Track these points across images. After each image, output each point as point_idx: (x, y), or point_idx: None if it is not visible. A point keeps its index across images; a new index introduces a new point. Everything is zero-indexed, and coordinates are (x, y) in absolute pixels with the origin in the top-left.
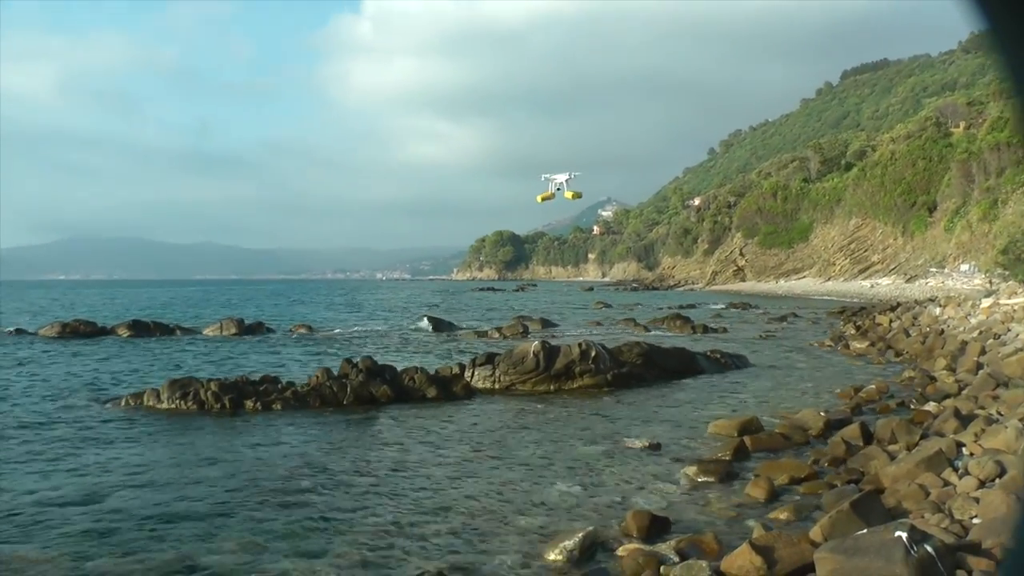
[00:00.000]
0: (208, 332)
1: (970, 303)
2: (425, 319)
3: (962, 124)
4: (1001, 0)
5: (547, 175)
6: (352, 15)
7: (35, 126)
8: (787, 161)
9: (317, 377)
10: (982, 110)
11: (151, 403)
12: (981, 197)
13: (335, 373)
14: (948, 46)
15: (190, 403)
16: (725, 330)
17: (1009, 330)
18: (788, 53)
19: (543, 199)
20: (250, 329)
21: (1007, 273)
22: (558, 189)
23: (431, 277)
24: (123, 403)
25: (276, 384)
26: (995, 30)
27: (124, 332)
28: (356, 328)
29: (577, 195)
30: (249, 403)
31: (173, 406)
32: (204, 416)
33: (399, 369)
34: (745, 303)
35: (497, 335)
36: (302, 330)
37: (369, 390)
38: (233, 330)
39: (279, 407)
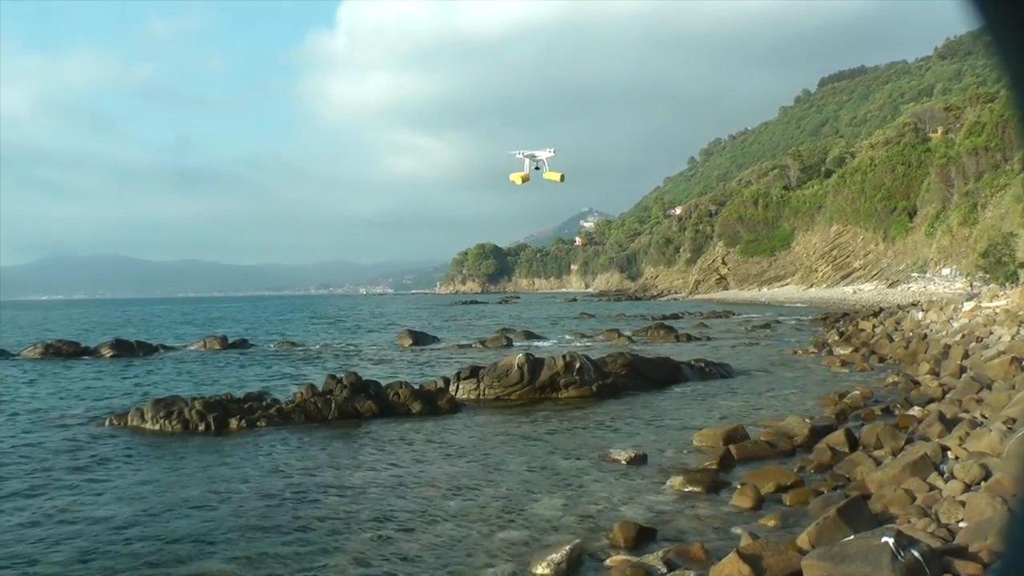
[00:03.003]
0: (192, 350)
1: (952, 307)
2: (408, 333)
3: (940, 129)
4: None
5: (523, 151)
6: (327, 31)
7: (12, 145)
8: (767, 169)
9: (301, 393)
10: (959, 115)
11: (135, 423)
12: (961, 201)
13: (319, 389)
14: (924, 52)
15: (174, 422)
16: (709, 339)
17: (991, 333)
18: (766, 61)
19: (522, 180)
20: (234, 346)
21: (988, 276)
22: (537, 168)
23: (414, 291)
24: (107, 423)
25: (261, 401)
26: (993, 29)
27: (107, 351)
28: (340, 343)
29: (556, 178)
30: (234, 421)
31: (157, 426)
32: (189, 435)
33: (383, 384)
34: (728, 311)
35: (481, 348)
36: (286, 346)
37: (354, 405)
38: (217, 347)
39: (264, 424)
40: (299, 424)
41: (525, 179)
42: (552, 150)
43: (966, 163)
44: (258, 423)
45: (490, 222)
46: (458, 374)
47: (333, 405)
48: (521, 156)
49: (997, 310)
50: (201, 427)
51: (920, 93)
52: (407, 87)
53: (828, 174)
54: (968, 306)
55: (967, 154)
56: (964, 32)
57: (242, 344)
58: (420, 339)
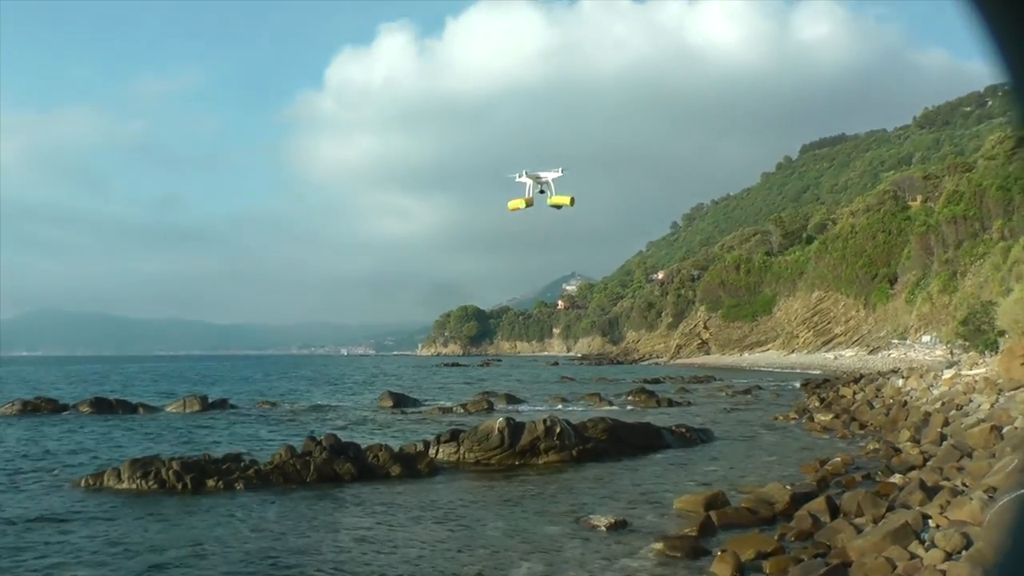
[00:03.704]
0: (171, 409)
1: (932, 374)
2: (389, 395)
3: (919, 198)
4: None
5: (525, 172)
6: (315, 91)
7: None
8: (749, 234)
9: (280, 455)
10: (938, 184)
11: (111, 483)
12: (940, 269)
13: (298, 451)
14: (903, 121)
15: (151, 483)
16: (690, 404)
17: (971, 401)
18: (747, 127)
19: (526, 205)
20: (214, 406)
21: (968, 344)
22: (541, 192)
23: (396, 352)
24: (82, 483)
25: (239, 462)
26: (993, 29)
27: (86, 409)
28: (320, 404)
29: (565, 202)
30: (211, 482)
31: (134, 486)
32: (166, 496)
33: (363, 446)
34: (710, 376)
35: (462, 411)
36: (266, 407)
37: (333, 468)
38: (196, 407)
39: (242, 486)
40: (277, 486)
41: (529, 203)
42: (561, 170)
43: (945, 231)
44: (236, 484)
45: (473, 284)
46: (438, 437)
47: (312, 467)
48: (523, 178)
49: (977, 378)
50: (178, 487)
51: (899, 161)
52: (393, 148)
53: (810, 240)
54: (948, 374)
55: (946, 222)
56: (942, 103)
57: (222, 404)
58: (401, 401)
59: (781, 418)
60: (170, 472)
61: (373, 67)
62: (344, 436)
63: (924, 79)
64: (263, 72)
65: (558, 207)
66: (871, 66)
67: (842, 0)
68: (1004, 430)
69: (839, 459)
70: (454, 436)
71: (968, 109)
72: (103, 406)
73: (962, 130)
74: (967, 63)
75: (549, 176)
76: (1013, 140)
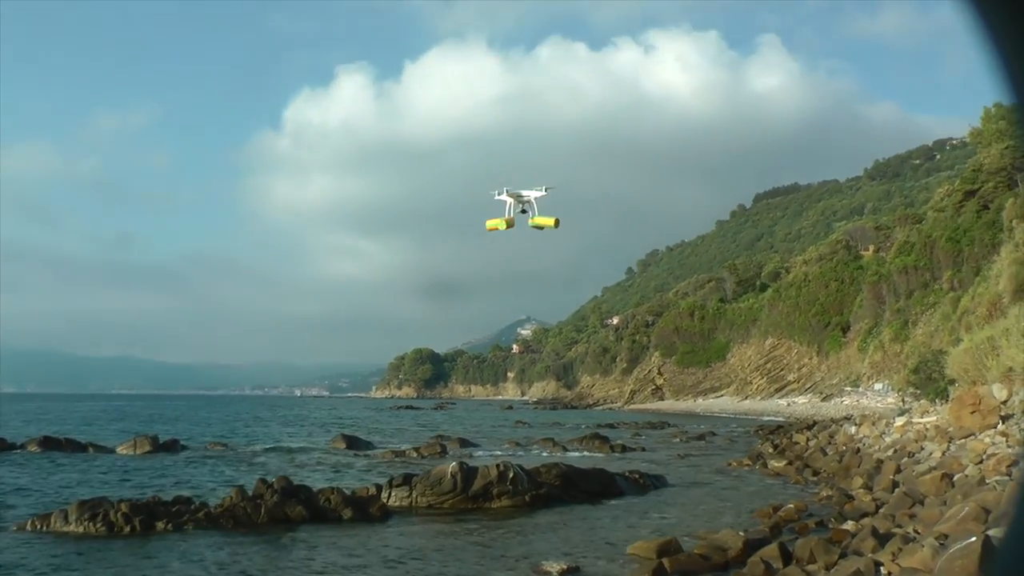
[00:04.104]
0: (122, 450)
1: (884, 422)
2: (343, 437)
3: (871, 247)
4: (1000, 1)
5: (506, 190)
6: (273, 131)
7: None
8: (704, 281)
9: (231, 497)
10: (889, 234)
11: (58, 525)
12: (892, 318)
13: (249, 493)
14: (855, 173)
15: (99, 525)
16: (643, 449)
17: (923, 448)
18: (702, 175)
19: (506, 226)
20: (165, 447)
21: (919, 392)
22: (523, 211)
23: (350, 394)
24: (28, 525)
25: (189, 504)
26: (993, 30)
27: (34, 448)
28: (272, 446)
29: (549, 224)
30: (161, 524)
31: (81, 528)
32: (113, 538)
33: (315, 489)
34: (664, 422)
35: (415, 455)
36: (218, 448)
37: (284, 511)
38: (147, 448)
39: (191, 528)
40: (227, 528)
41: (509, 224)
42: (545, 188)
43: (897, 281)
44: (185, 526)
45: (428, 327)
46: (390, 481)
47: (263, 510)
48: (503, 197)
49: (928, 426)
50: (127, 530)
51: (851, 211)
52: (349, 190)
53: (763, 288)
54: (900, 421)
55: (897, 272)
56: (892, 155)
57: (173, 445)
58: (354, 443)
59: (735, 464)
60: (119, 514)
61: (331, 108)
62: (296, 478)
63: (874, 131)
64: (221, 111)
65: (540, 228)
66: (823, 118)
67: (795, 53)
68: (955, 478)
69: (792, 506)
70: (407, 480)
71: (917, 162)
72: (52, 445)
73: (912, 182)
74: (916, 116)
75: (532, 195)
76: (961, 193)
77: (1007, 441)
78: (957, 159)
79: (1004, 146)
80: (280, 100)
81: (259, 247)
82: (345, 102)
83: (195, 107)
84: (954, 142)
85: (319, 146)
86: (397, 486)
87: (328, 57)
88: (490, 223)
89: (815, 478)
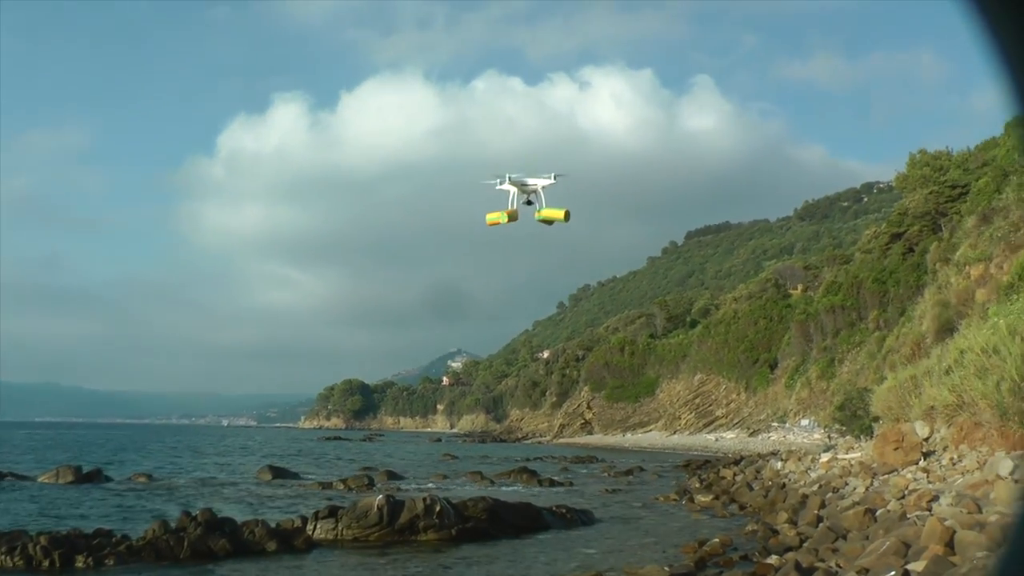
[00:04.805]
0: (43, 479)
1: (810, 457)
2: (269, 468)
3: (800, 286)
4: (1001, 2)
5: (509, 177)
6: (206, 157)
7: None
8: (634, 317)
9: (153, 530)
10: (817, 274)
11: None
12: (819, 356)
13: (172, 525)
14: (785, 213)
15: (16, 559)
16: (572, 484)
17: (847, 484)
18: (635, 212)
19: (508, 219)
20: (88, 477)
21: (844, 429)
22: (528, 202)
23: (278, 424)
24: None
25: (110, 537)
26: (994, 31)
27: None
28: (198, 476)
29: (558, 217)
30: (80, 558)
31: None
32: (32, 573)
33: (239, 522)
34: (592, 456)
35: (342, 487)
36: (142, 479)
37: (207, 544)
38: (70, 478)
39: (112, 562)
40: (149, 562)
41: (512, 217)
42: (554, 175)
43: (824, 320)
44: (106, 560)
45: (358, 358)
46: (316, 513)
47: (185, 543)
48: (505, 186)
49: (852, 462)
50: (45, 564)
51: (781, 251)
52: (282, 218)
53: (693, 324)
54: (825, 457)
55: (825, 311)
56: (821, 197)
57: (97, 476)
58: (281, 475)
59: (662, 499)
60: (37, 548)
61: (265, 136)
62: (220, 510)
63: (804, 173)
64: (154, 134)
65: (549, 222)
66: (755, 158)
67: (727, 94)
68: (877, 513)
69: (718, 540)
70: (332, 512)
71: (846, 204)
72: None
73: (840, 223)
74: (843, 160)
75: (539, 184)
76: (887, 236)
77: (928, 477)
78: (884, 202)
79: (928, 191)
80: (215, 125)
81: (190, 274)
82: (280, 130)
83: (130, 130)
84: (881, 186)
85: (253, 173)
86: (323, 518)
87: (264, 84)
88: (490, 217)
89: (741, 513)
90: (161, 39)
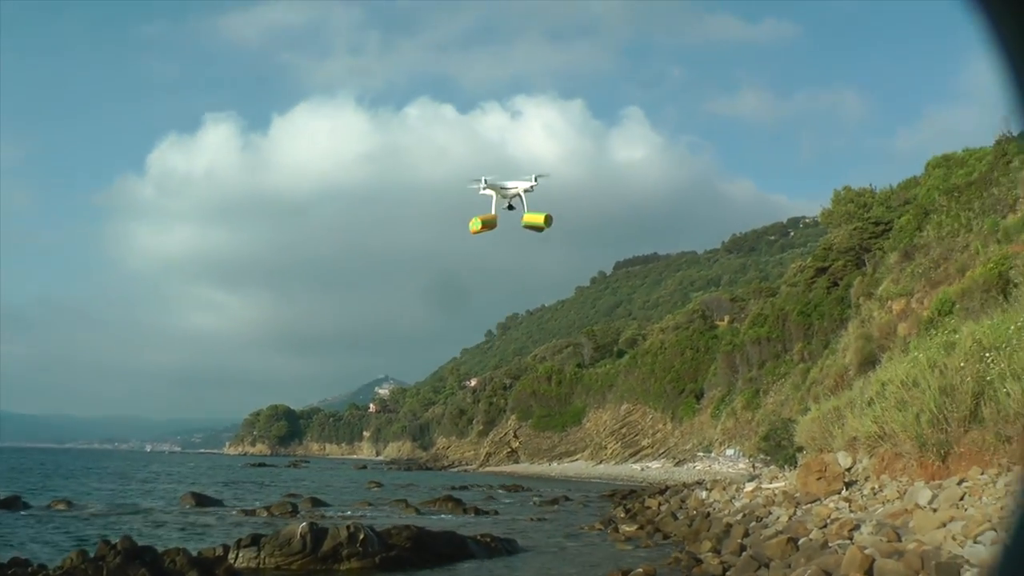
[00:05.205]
0: None
1: (735, 487)
2: (192, 495)
3: (726, 318)
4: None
5: (485, 180)
6: (136, 176)
7: None
8: (562, 346)
9: (71, 559)
10: (744, 306)
11: None
12: (744, 387)
13: (91, 555)
14: (712, 245)
15: None
16: (497, 513)
17: (770, 513)
18: (564, 241)
19: (482, 226)
20: (4, 504)
21: (769, 458)
22: (510, 208)
23: (203, 450)
24: None
25: (27, 567)
26: (997, 29)
27: None
28: (119, 503)
29: (538, 221)
30: None
31: None
32: None
33: (160, 550)
34: (518, 485)
35: (265, 514)
36: (60, 506)
37: (127, 573)
38: None
39: None
40: None
41: (490, 225)
42: (535, 177)
43: (750, 351)
44: None
45: (284, 383)
46: (239, 541)
47: (104, 572)
48: (484, 189)
49: (776, 491)
50: None
51: (708, 282)
52: (211, 240)
53: (620, 354)
54: (750, 486)
55: (751, 343)
56: (748, 230)
57: (13, 502)
58: (204, 502)
59: (587, 528)
60: None
61: (196, 156)
62: (141, 539)
63: (732, 206)
64: (86, 151)
65: (536, 229)
66: (683, 190)
67: (657, 126)
68: (800, 541)
69: (641, 569)
70: (255, 540)
71: (772, 238)
72: None
73: (767, 257)
74: (771, 195)
75: (519, 187)
76: (812, 270)
77: (850, 506)
78: (809, 237)
79: (852, 227)
80: (145, 144)
81: (116, 295)
82: (212, 151)
83: (58, 147)
84: (807, 220)
85: (183, 194)
86: (245, 547)
87: (197, 103)
88: (473, 223)
89: (665, 542)
90: (92, 55)
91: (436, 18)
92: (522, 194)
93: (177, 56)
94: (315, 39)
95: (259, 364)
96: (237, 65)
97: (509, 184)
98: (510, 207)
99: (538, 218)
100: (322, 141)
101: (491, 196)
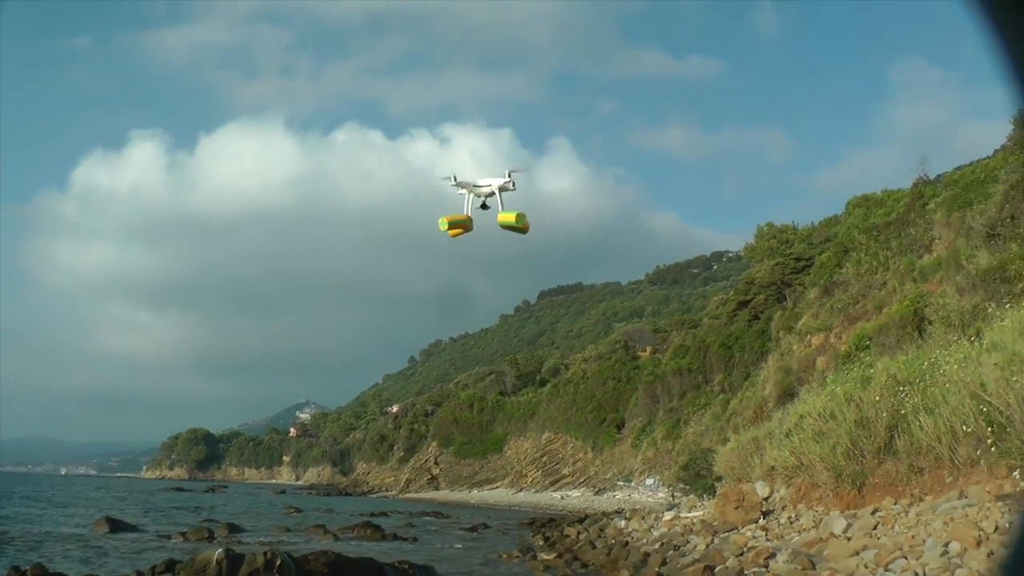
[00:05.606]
0: None
1: (654, 516)
2: (106, 520)
3: (648, 348)
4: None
5: (456, 178)
6: (58, 192)
7: None
8: (484, 374)
9: None
10: (666, 337)
11: None
12: (665, 417)
13: None
14: (636, 276)
15: None
16: (416, 539)
17: (688, 542)
18: (488, 270)
19: (450, 226)
20: None
21: (688, 488)
22: (484, 207)
23: (119, 474)
24: None
25: None
26: (997, 27)
27: None
28: (30, 528)
29: (514, 217)
30: None
31: None
32: None
33: None
34: (438, 512)
35: (181, 539)
36: None
37: None
38: None
39: None
40: None
41: (463, 226)
42: (508, 173)
43: (671, 382)
44: None
45: (205, 406)
46: (153, 568)
47: None
48: (458, 188)
49: (695, 520)
50: None
51: (631, 313)
52: (133, 260)
53: (543, 383)
54: (669, 515)
55: (672, 373)
56: (672, 263)
57: None
58: (118, 527)
59: (505, 556)
60: None
61: (121, 174)
62: (52, 566)
63: (657, 238)
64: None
65: (515, 230)
66: (609, 222)
67: (584, 157)
68: (716, 569)
69: None
70: (169, 567)
71: (696, 271)
72: None
73: (690, 289)
74: (694, 228)
75: (494, 184)
76: (734, 303)
77: (767, 535)
78: (732, 271)
79: (774, 262)
80: (69, 159)
81: (32, 313)
82: (136, 168)
83: None
84: (730, 255)
85: (106, 212)
86: (160, 573)
87: (123, 120)
88: (443, 222)
89: (584, 570)
90: (13, 68)
91: (367, 43)
92: (497, 192)
93: (103, 71)
94: (244, 59)
95: (179, 386)
96: (164, 82)
97: (482, 182)
98: (484, 206)
99: (510, 217)
100: (249, 163)
101: (465, 195)
